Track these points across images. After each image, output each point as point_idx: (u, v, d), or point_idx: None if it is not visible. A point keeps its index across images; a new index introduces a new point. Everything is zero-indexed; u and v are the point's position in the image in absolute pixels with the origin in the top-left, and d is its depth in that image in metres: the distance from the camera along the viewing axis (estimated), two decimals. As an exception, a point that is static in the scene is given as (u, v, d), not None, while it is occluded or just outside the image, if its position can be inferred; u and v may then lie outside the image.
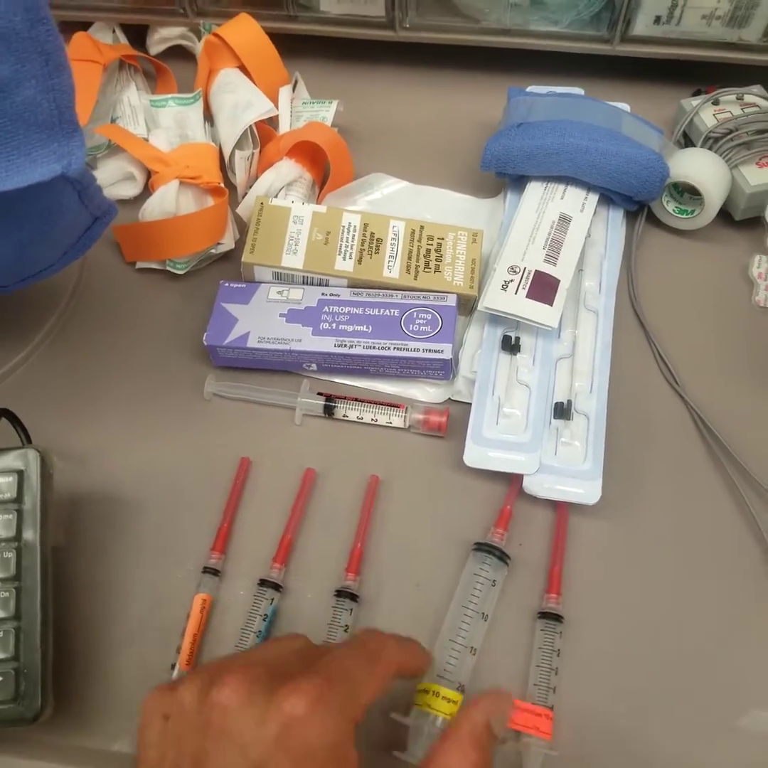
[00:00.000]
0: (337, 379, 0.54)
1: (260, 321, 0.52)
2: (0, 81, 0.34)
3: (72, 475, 0.51)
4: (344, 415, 0.52)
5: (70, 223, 0.43)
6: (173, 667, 0.45)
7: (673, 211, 0.57)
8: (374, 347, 0.51)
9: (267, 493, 0.51)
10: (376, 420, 0.52)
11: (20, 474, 0.44)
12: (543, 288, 0.51)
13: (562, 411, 0.49)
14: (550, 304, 0.51)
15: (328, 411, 0.52)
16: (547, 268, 0.52)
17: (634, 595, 0.47)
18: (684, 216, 0.57)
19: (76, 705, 0.44)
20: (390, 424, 0.52)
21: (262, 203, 0.55)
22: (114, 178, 0.62)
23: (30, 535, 0.43)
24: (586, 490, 0.47)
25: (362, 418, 0.52)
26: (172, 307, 0.58)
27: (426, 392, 0.53)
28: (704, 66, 0.64)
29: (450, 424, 0.52)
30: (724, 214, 0.58)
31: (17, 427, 0.48)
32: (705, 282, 0.57)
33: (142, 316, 0.58)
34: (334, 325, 0.52)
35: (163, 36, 0.69)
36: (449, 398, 0.53)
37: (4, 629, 0.41)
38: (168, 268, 0.58)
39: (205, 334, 0.52)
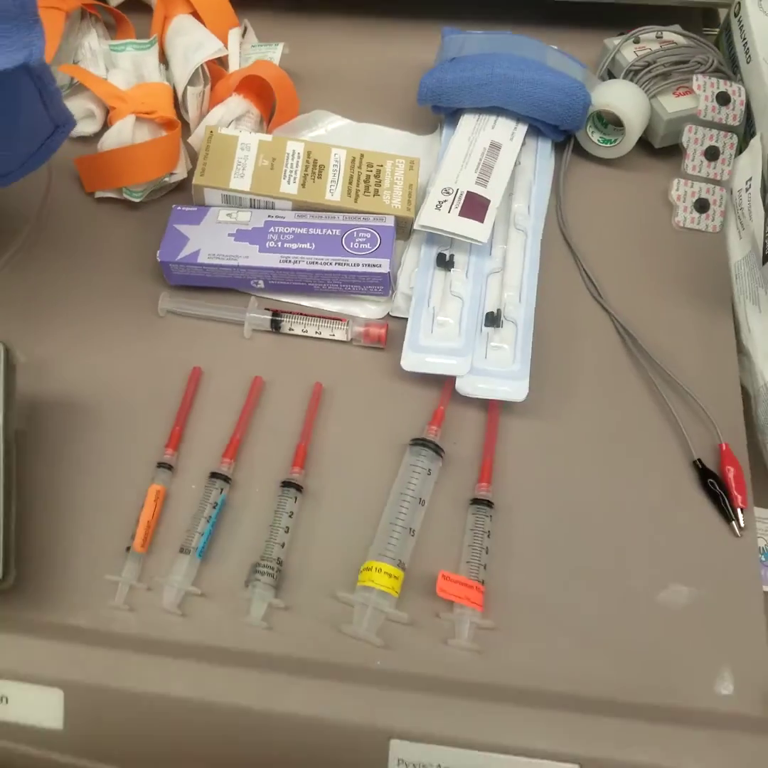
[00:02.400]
0: (283, 298, 0.54)
1: (210, 240, 0.52)
2: None
3: (33, 381, 0.50)
4: (290, 329, 0.52)
5: (32, 125, 0.42)
6: (128, 549, 0.45)
7: (598, 141, 0.58)
8: (317, 263, 0.51)
9: (217, 401, 0.50)
10: (320, 333, 0.52)
11: (-16, 365, 0.43)
12: (474, 207, 0.51)
13: (493, 319, 0.50)
14: (481, 221, 0.51)
15: (275, 325, 0.52)
16: (478, 190, 0.52)
17: (561, 485, 0.47)
18: (607, 145, 0.58)
19: (36, 582, 0.44)
20: (333, 337, 0.52)
21: (211, 131, 0.55)
22: (76, 116, 0.61)
23: (-6, 420, 0.43)
24: (514, 388, 0.48)
25: (307, 332, 0.52)
26: (130, 234, 0.57)
27: (367, 309, 0.53)
28: (628, 10, 0.64)
29: (390, 338, 0.52)
30: (646, 145, 0.59)
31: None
32: (628, 206, 0.58)
33: (101, 243, 0.57)
34: (279, 243, 0.52)
35: (122, -13, 0.69)
36: (389, 314, 0.53)
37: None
38: (125, 196, 0.57)
39: (158, 252, 0.52)
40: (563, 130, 0.57)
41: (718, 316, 0.53)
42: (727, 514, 0.45)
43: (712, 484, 0.46)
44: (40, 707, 0.42)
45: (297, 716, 0.40)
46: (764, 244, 0.49)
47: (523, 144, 0.57)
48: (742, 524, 0.45)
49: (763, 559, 0.47)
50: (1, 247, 0.56)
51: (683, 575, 0.44)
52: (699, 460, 0.47)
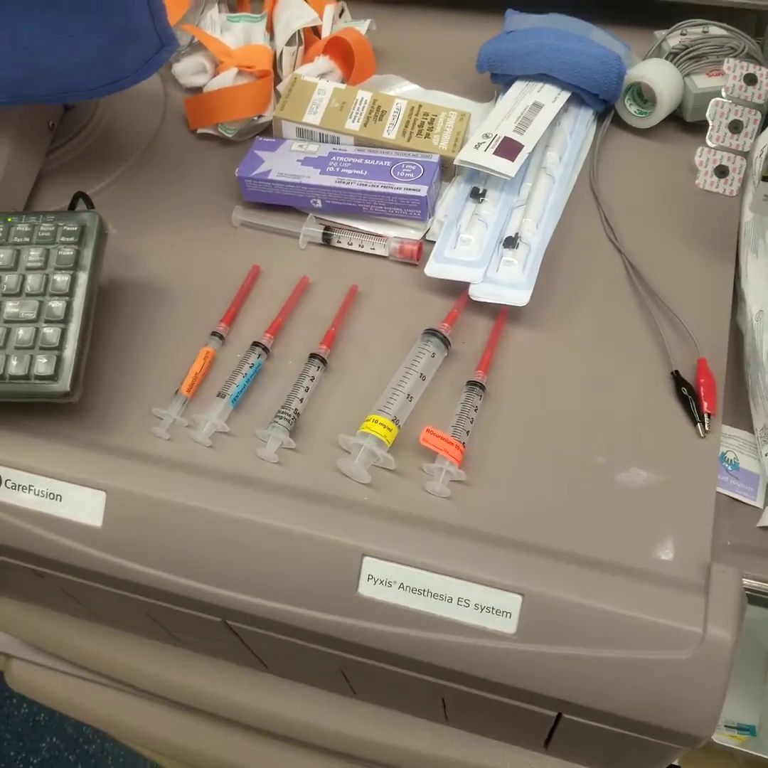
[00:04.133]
0: (336, 219, 0.63)
1: (281, 163, 0.62)
2: None
3: (128, 268, 0.62)
4: (338, 242, 0.61)
5: (142, 38, 0.54)
6: (176, 392, 0.54)
7: (635, 112, 0.65)
8: (366, 185, 0.60)
9: (270, 295, 0.60)
10: (363, 247, 0.61)
11: (83, 227, 0.54)
12: (508, 148, 0.60)
13: (510, 241, 0.58)
14: (512, 159, 0.59)
15: (326, 239, 0.62)
16: (514, 136, 0.61)
17: (549, 383, 0.54)
18: (641, 116, 0.65)
19: (96, 409, 0.54)
20: (373, 251, 0.61)
21: (295, 78, 0.66)
22: (191, 70, 0.73)
23: (84, 267, 0.53)
24: (517, 295, 0.55)
25: (352, 245, 0.61)
26: (220, 164, 0.68)
27: (406, 232, 0.62)
28: (685, 11, 0.71)
29: (422, 258, 0.60)
30: (679, 122, 0.66)
31: (87, 203, 0.60)
32: (656, 171, 0.64)
33: (196, 169, 0.68)
34: (338, 168, 0.62)
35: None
36: (424, 238, 0.62)
37: (55, 327, 0.51)
38: (220, 132, 0.69)
39: (236, 168, 0.63)
40: (603, 99, 0.65)
41: (720, 265, 0.58)
42: (694, 417, 0.50)
43: (685, 391, 0.51)
44: (85, 506, 0.51)
45: (292, 531, 0.48)
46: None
47: (566, 110, 0.65)
48: (707, 428, 0.50)
49: (729, 468, 0.52)
50: (116, 164, 0.69)
51: (645, 463, 0.50)
52: (676, 371, 0.52)
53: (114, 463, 0.52)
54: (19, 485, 0.52)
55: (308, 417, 0.54)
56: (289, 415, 0.52)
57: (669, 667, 0.43)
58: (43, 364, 0.50)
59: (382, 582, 0.47)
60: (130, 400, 0.55)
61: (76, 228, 0.54)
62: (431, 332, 0.55)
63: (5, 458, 0.52)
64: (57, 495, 0.52)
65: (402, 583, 0.46)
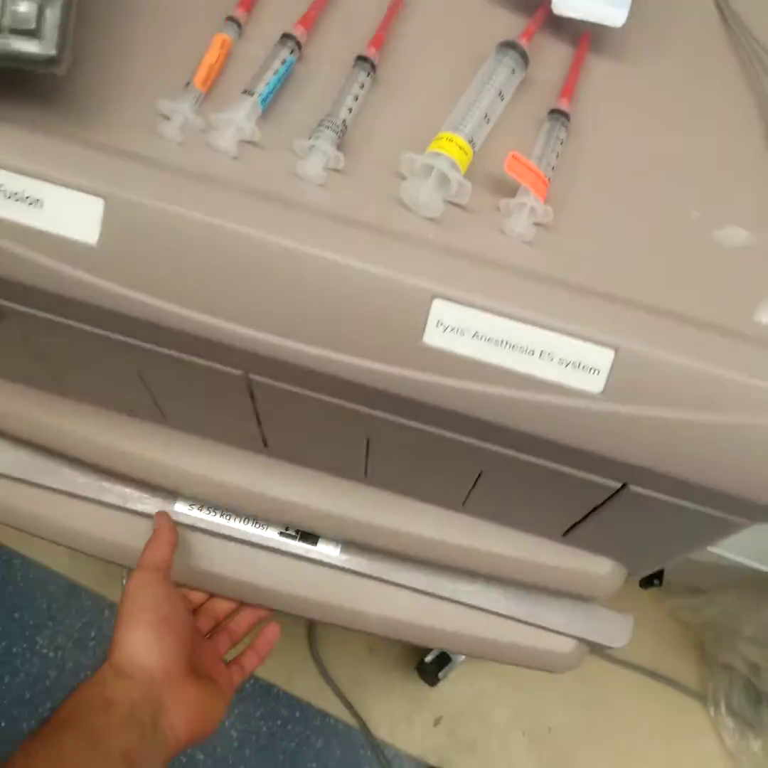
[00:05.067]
0: None
1: None
2: None
3: None
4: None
5: None
6: (187, 84, 0.42)
7: None
8: None
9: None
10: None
11: None
12: None
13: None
14: None
15: None
16: None
17: (639, 126, 0.45)
18: None
19: (88, 101, 0.42)
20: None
21: None
22: None
23: None
24: (613, 12, 0.46)
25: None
26: None
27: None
28: None
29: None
30: None
31: None
32: None
33: None
34: None
35: None
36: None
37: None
38: None
39: None
40: None
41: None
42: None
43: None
44: (75, 217, 0.40)
45: (346, 265, 0.39)
46: None
47: None
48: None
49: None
50: None
51: (745, 221, 0.43)
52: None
53: (113, 165, 0.40)
54: (-20, 183, 0.40)
55: (355, 135, 0.43)
56: (337, 126, 0.42)
57: (764, 433, 0.38)
58: (21, 13, 0.37)
59: (453, 330, 0.39)
60: (126, 93, 0.43)
61: None
62: (509, 44, 0.45)
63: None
64: (36, 199, 0.40)
65: (477, 332, 0.39)
